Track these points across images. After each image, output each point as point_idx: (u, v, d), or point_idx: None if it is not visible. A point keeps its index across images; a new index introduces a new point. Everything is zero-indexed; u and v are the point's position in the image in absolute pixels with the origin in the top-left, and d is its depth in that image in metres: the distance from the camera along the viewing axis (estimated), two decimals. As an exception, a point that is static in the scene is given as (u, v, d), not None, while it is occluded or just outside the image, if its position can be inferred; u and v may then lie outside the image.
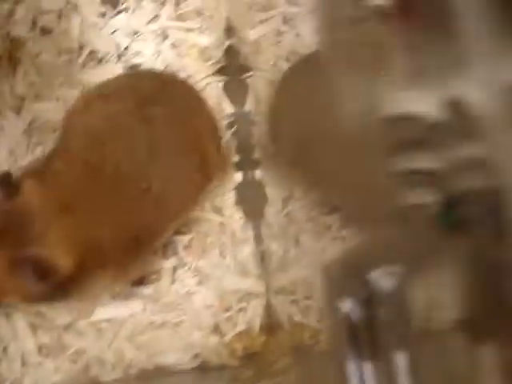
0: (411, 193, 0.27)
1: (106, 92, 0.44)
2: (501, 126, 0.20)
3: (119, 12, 0.51)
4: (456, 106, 0.23)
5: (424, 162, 0.27)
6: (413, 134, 0.27)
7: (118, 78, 0.47)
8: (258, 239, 0.47)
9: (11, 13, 0.50)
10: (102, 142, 0.40)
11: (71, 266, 0.36)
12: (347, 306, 0.25)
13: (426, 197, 0.27)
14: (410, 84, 0.27)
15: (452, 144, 0.24)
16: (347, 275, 0.26)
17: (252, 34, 0.48)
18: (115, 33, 0.51)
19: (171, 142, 0.41)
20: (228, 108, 0.49)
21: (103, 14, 0.51)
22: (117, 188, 0.39)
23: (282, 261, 0.46)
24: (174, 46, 0.50)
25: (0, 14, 0.50)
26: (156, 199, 0.40)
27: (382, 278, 0.25)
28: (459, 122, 0.23)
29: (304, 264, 0.46)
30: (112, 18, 0.51)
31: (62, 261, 0.36)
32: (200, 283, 0.46)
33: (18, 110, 0.49)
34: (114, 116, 0.41)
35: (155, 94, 0.41)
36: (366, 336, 0.26)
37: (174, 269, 0.46)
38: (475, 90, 0.21)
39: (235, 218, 0.48)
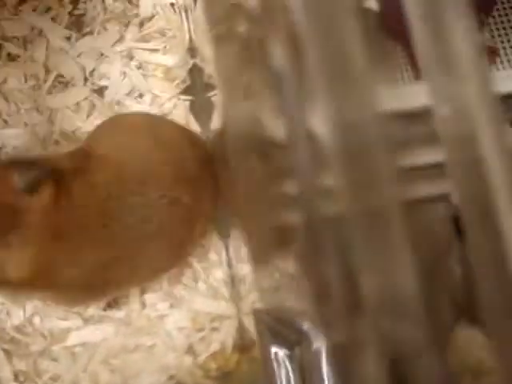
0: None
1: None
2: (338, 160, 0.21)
3: (84, 35, 0.51)
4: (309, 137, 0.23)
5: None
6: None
7: None
8: (230, 262, 0.47)
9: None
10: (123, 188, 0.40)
11: (19, 281, 0.36)
12: (279, 351, 0.25)
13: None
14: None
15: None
16: (278, 322, 0.26)
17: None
18: (81, 56, 0.51)
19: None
20: (195, 127, 0.48)
21: (68, 38, 0.51)
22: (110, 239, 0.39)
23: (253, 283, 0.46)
24: (139, 66, 0.50)
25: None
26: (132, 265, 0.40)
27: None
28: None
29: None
30: (77, 41, 0.51)
31: (15, 272, 0.36)
32: (172, 306, 0.46)
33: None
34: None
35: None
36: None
37: (142, 292, 0.46)
38: (321, 123, 0.21)
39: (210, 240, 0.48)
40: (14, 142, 0.49)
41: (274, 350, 0.26)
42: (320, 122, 0.21)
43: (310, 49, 0.21)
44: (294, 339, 0.25)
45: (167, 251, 0.42)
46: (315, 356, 0.23)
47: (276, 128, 0.27)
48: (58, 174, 0.36)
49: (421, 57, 0.22)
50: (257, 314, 0.30)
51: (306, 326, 0.24)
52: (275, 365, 0.26)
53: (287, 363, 0.26)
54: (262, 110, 0.28)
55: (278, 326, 0.27)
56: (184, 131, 0.44)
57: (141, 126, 0.44)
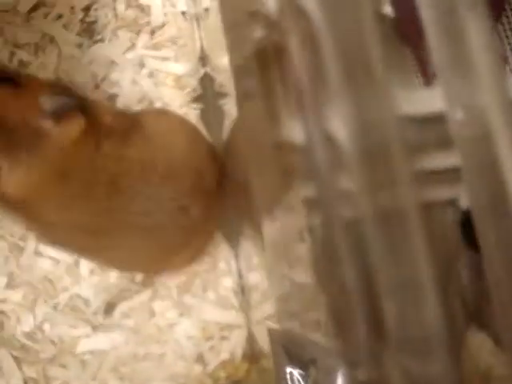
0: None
1: None
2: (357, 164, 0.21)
3: (95, 42, 0.51)
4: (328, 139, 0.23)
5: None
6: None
7: None
8: (240, 271, 0.47)
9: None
10: None
11: (10, 197, 0.35)
12: (293, 371, 0.25)
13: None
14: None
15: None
16: (293, 341, 0.26)
17: (227, 62, 0.48)
18: (92, 63, 0.51)
19: None
20: (205, 136, 0.48)
21: (80, 45, 0.51)
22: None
23: (263, 292, 0.46)
24: (150, 74, 0.50)
25: (-23, 49, 0.50)
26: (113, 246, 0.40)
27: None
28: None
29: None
30: (88, 48, 0.51)
31: (9, 188, 0.35)
32: (181, 315, 0.46)
33: None
34: None
35: None
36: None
37: (151, 300, 0.46)
38: (340, 126, 0.21)
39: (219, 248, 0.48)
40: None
41: (288, 369, 0.26)
42: (338, 125, 0.21)
43: (329, 51, 0.21)
44: (308, 359, 0.25)
45: (150, 251, 0.42)
46: (330, 377, 0.23)
47: (293, 131, 0.27)
48: (94, 119, 0.36)
49: (436, 61, 0.22)
50: (272, 333, 0.30)
51: (321, 346, 0.24)
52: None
53: (301, 382, 0.25)
54: (278, 111, 0.28)
55: (293, 346, 0.27)
56: (210, 146, 0.44)
57: (184, 128, 0.44)
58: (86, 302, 0.48)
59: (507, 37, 0.47)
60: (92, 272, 0.48)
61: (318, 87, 0.23)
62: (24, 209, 0.37)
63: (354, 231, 0.22)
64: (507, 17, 0.47)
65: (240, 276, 0.47)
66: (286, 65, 0.26)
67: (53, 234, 0.40)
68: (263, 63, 0.29)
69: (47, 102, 0.34)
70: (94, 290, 0.48)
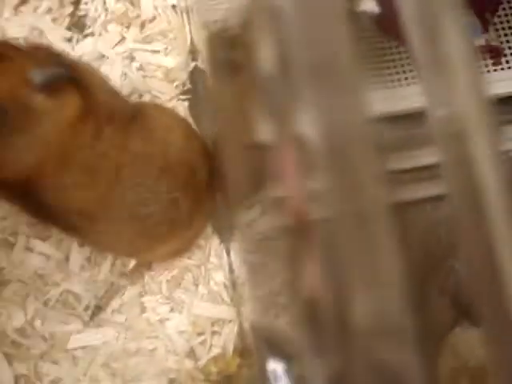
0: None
1: None
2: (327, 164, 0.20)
3: (85, 36, 0.51)
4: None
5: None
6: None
7: None
8: (231, 265, 0.47)
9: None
10: None
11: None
12: (276, 364, 0.25)
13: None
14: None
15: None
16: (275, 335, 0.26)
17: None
18: (82, 57, 0.50)
19: None
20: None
21: (70, 39, 0.51)
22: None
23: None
24: (140, 68, 0.49)
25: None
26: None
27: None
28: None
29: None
30: (78, 42, 0.51)
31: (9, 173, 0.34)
32: (172, 310, 0.46)
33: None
34: None
35: None
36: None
37: (142, 295, 0.46)
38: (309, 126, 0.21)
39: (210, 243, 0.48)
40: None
41: (271, 362, 0.26)
42: (308, 125, 0.21)
43: (298, 51, 0.21)
44: (291, 352, 0.25)
45: (137, 237, 0.42)
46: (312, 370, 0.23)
47: (264, 131, 0.26)
48: (89, 96, 0.34)
49: (415, 59, 0.22)
50: (254, 326, 0.29)
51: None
52: (272, 378, 0.26)
53: (284, 376, 0.25)
54: (250, 112, 0.28)
55: (277, 340, 0.26)
56: (204, 143, 0.44)
57: (180, 124, 0.44)
58: (77, 297, 0.48)
59: (504, 29, 0.46)
60: (83, 268, 0.48)
61: (287, 87, 0.23)
62: (21, 193, 0.36)
63: (324, 230, 0.22)
64: (504, 9, 0.47)
65: (231, 271, 0.47)
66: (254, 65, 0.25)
67: (48, 216, 0.40)
68: (234, 63, 0.29)
69: (36, 76, 0.32)
70: (84, 285, 0.47)
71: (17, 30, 0.50)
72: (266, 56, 0.23)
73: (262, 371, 0.27)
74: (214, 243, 0.47)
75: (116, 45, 0.50)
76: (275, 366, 0.25)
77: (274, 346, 0.26)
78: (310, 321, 0.22)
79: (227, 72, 0.32)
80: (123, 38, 0.50)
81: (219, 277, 0.47)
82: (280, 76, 0.23)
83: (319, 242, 0.23)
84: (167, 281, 0.46)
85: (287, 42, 0.21)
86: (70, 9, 0.51)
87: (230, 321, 0.46)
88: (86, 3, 0.50)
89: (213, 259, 0.47)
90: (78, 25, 0.51)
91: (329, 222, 0.21)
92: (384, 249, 0.20)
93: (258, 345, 0.28)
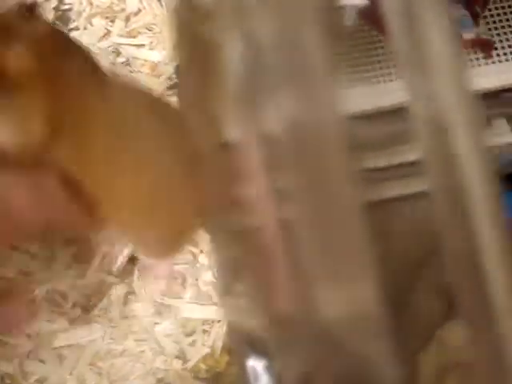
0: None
1: None
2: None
3: (70, 30, 0.50)
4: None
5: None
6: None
7: None
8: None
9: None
10: None
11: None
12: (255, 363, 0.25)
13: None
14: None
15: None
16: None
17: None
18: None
19: None
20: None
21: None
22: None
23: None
24: (126, 62, 0.49)
25: None
26: None
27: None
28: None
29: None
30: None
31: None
32: (160, 311, 0.46)
33: None
34: None
35: None
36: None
37: (126, 296, 0.46)
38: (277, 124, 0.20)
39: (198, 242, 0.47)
40: None
41: (251, 360, 0.25)
42: (276, 122, 0.20)
43: (268, 49, 0.20)
44: (269, 350, 0.25)
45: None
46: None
47: (232, 130, 0.26)
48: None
49: (396, 54, 0.21)
50: (231, 325, 0.29)
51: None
52: (252, 376, 0.25)
53: (265, 374, 0.25)
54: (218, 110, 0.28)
55: (253, 337, 0.26)
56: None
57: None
58: (63, 296, 0.47)
59: (494, 22, 0.46)
60: (69, 266, 0.47)
61: (257, 84, 0.22)
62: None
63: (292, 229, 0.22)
64: (494, 2, 0.46)
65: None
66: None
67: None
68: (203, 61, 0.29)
69: None
70: (71, 283, 0.47)
71: None
72: (233, 51, 0.23)
73: (243, 369, 0.26)
74: (203, 242, 0.47)
75: (101, 39, 0.49)
76: (255, 364, 0.25)
77: (252, 343, 0.26)
78: (279, 321, 0.22)
79: (195, 51, 0.31)
80: (108, 32, 0.49)
81: (208, 276, 0.46)
82: (249, 73, 0.22)
83: (287, 240, 0.22)
84: (155, 280, 0.46)
85: (257, 37, 0.20)
86: (54, 3, 0.50)
87: (219, 320, 0.45)
88: (68, -3, 0.49)
89: (201, 259, 0.46)
90: (62, 19, 0.50)
91: (297, 220, 0.20)
92: (355, 243, 0.20)
93: (236, 341, 0.28)
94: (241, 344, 0.27)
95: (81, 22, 0.49)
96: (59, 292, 0.47)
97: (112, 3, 0.49)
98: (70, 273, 0.47)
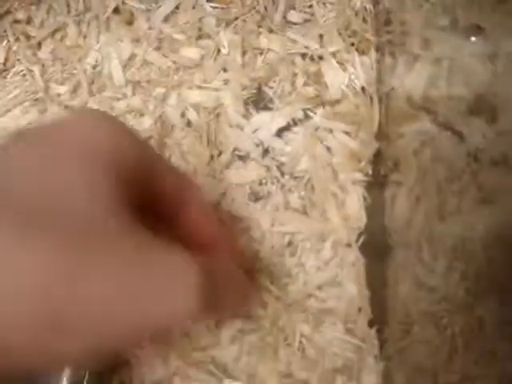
0: None
1: None
2: None
3: (264, 109, 0.51)
4: None
5: None
6: None
7: None
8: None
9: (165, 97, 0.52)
10: None
11: None
12: None
13: None
14: None
15: None
16: None
17: (404, 143, 0.47)
18: (258, 131, 0.51)
19: None
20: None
21: (247, 113, 0.51)
22: None
23: None
24: (324, 146, 0.49)
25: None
26: None
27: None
28: None
29: None
30: (256, 115, 0.51)
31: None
32: None
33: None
34: None
35: None
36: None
37: None
38: None
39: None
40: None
41: None
42: None
43: None
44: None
45: None
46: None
47: None
48: None
49: None
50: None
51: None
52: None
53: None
54: None
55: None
56: None
57: None
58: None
59: None
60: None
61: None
62: None
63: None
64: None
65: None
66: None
67: None
68: None
69: None
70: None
71: (205, 99, 0.51)
72: None
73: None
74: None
75: (301, 122, 0.50)
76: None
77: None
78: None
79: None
80: (307, 117, 0.50)
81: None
82: None
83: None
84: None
85: None
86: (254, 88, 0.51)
87: None
88: (274, 81, 0.51)
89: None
90: (257, 101, 0.51)
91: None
92: None
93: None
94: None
95: (278, 105, 0.51)
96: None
97: (314, 89, 0.50)
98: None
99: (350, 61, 0.49)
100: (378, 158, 0.48)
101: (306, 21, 0.52)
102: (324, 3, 0.52)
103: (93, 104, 0.53)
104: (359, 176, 0.48)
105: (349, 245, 0.47)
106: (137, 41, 0.53)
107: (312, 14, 0.52)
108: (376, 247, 0.47)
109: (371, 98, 0.48)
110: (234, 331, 0.46)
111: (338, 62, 0.49)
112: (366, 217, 0.47)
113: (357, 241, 0.47)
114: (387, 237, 0.46)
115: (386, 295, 0.45)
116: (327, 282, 0.46)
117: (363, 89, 0.49)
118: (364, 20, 0.50)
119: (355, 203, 0.47)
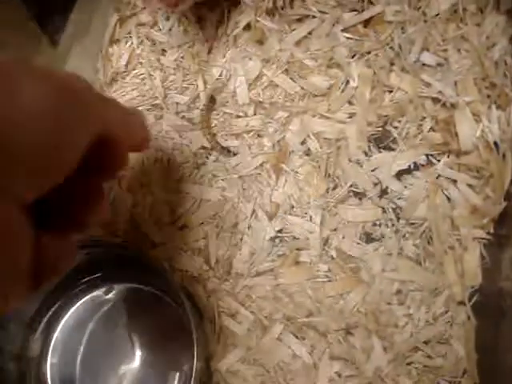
0: None
1: None
2: None
3: (386, 149, 0.50)
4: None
5: None
6: None
7: None
8: None
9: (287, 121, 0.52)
10: None
11: None
12: None
13: None
14: None
15: None
16: None
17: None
18: (378, 170, 0.50)
19: None
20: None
21: (368, 150, 0.50)
22: None
23: None
24: (445, 196, 0.48)
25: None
26: None
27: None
28: None
29: None
30: (377, 154, 0.50)
31: None
32: None
33: (270, 217, 0.51)
34: None
35: None
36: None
37: None
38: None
39: None
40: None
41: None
42: None
43: None
44: None
45: None
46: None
47: None
48: None
49: None
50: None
51: None
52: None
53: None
54: None
55: None
56: None
57: None
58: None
59: None
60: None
61: None
62: None
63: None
64: None
65: None
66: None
67: None
68: None
69: None
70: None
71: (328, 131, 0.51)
72: None
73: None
74: None
75: (420, 166, 0.49)
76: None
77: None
78: None
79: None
80: (430, 163, 0.49)
81: None
82: None
83: None
84: None
85: None
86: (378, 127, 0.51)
87: None
88: (399, 121, 0.50)
89: None
90: (378, 139, 0.51)
91: None
92: None
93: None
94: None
95: (399, 146, 0.50)
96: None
97: (442, 137, 0.49)
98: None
99: (484, 113, 0.47)
100: (503, 217, 0.46)
101: (439, 64, 0.51)
102: (459, 49, 0.51)
103: (213, 119, 0.54)
104: (481, 233, 0.46)
105: (462, 302, 0.45)
106: (266, 61, 0.53)
107: (445, 59, 0.51)
108: (489, 309, 0.45)
109: (504, 155, 0.46)
110: (332, 373, 0.45)
111: (471, 113, 0.48)
112: (482, 276, 0.46)
113: (470, 299, 0.45)
114: (502, 300, 0.45)
115: (495, 362, 0.44)
116: (435, 338, 0.45)
117: (496, 144, 0.47)
118: (505, 75, 0.48)
119: (474, 260, 0.46)
